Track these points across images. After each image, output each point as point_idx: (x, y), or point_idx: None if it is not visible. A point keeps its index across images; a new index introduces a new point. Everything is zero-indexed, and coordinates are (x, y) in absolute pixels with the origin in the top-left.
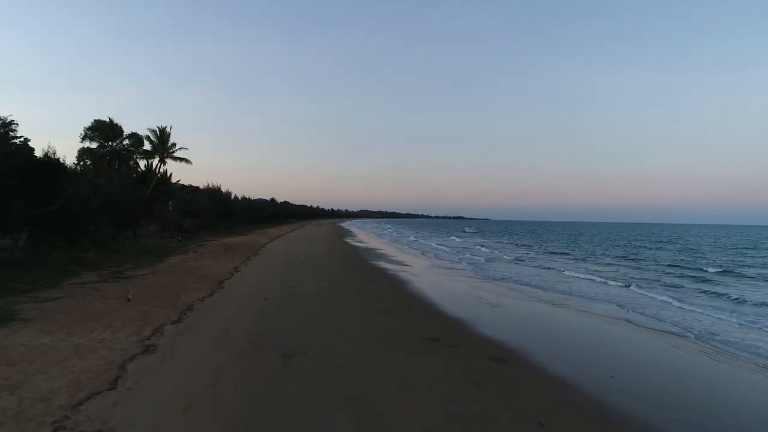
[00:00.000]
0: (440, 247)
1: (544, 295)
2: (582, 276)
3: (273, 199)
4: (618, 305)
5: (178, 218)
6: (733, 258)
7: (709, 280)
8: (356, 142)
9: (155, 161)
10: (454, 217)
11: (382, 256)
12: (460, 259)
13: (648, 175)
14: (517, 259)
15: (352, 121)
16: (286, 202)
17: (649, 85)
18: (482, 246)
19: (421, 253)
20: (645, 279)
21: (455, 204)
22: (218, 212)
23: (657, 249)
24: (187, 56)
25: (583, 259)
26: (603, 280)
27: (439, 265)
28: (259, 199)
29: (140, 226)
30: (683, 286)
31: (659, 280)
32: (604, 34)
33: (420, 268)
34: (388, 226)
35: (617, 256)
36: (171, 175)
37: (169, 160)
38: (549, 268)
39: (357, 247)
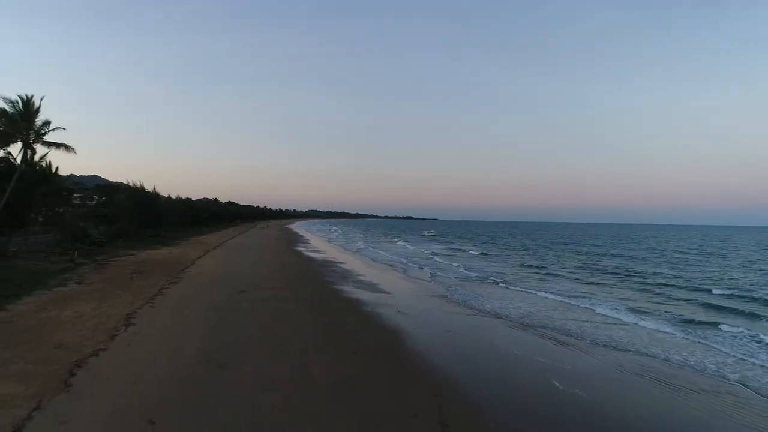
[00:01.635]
0: (411, 255)
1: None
2: (628, 319)
3: (216, 200)
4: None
5: (78, 226)
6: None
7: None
8: (306, 141)
9: (17, 147)
10: (403, 218)
11: (347, 275)
12: (448, 287)
13: (597, 175)
14: (505, 281)
15: (303, 121)
16: (231, 203)
17: (594, 88)
18: (459, 264)
19: (399, 270)
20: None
21: (404, 204)
22: (143, 217)
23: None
24: (119, 46)
25: (585, 281)
26: (669, 328)
27: (428, 291)
28: (203, 199)
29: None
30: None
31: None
32: (546, 42)
33: (405, 296)
34: (337, 228)
35: (615, 273)
36: (57, 168)
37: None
38: (562, 300)
39: (313, 260)
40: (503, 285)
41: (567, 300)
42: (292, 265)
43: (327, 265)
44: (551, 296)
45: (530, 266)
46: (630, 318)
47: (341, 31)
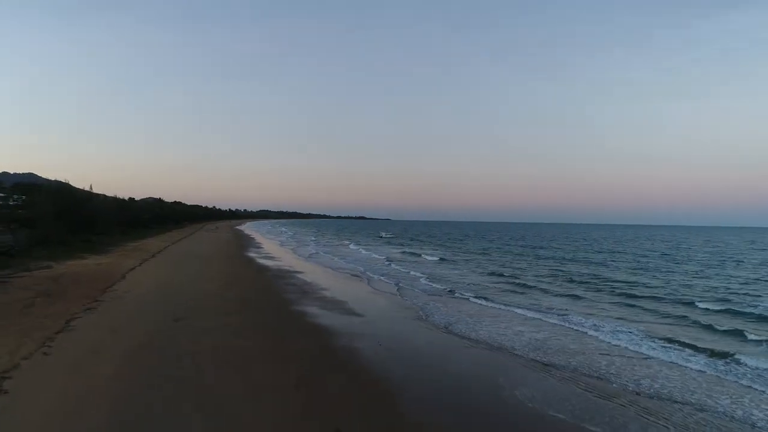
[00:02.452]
0: (368, 261)
1: None
2: (651, 351)
3: (160, 200)
4: None
5: None
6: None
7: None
8: (256, 140)
9: None
10: (356, 218)
11: (308, 290)
12: (423, 306)
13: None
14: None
15: (254, 118)
16: (177, 203)
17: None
18: (423, 274)
19: (362, 281)
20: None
21: (357, 204)
22: (70, 220)
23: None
24: (62, 42)
25: (564, 293)
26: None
27: (401, 310)
28: (147, 198)
29: None
30: None
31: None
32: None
33: (380, 320)
34: (287, 229)
35: (588, 282)
36: None
37: None
38: (560, 324)
39: (267, 269)
40: (481, 301)
41: (564, 323)
42: (244, 277)
43: (283, 275)
44: (543, 317)
45: (498, 275)
46: (652, 350)
47: (287, 28)
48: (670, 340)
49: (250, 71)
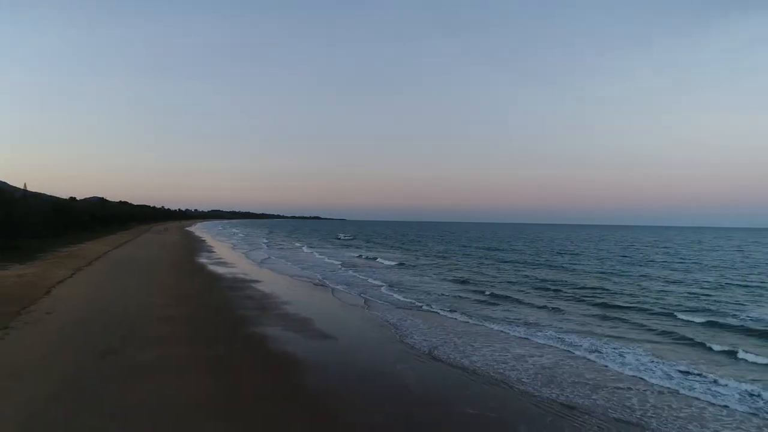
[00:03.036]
0: (326, 267)
1: None
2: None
3: (104, 199)
4: None
5: None
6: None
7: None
8: (207, 139)
9: None
10: (310, 218)
11: (267, 305)
12: (397, 325)
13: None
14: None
15: (204, 118)
16: (123, 203)
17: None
18: (386, 283)
19: (324, 291)
20: None
21: (311, 204)
22: None
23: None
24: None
25: (539, 304)
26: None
27: (376, 329)
28: (91, 198)
29: None
30: None
31: None
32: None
33: (354, 344)
34: (239, 230)
35: (556, 290)
36: None
37: None
38: (560, 348)
39: (220, 277)
40: (458, 315)
41: (560, 344)
42: (194, 290)
43: (238, 286)
44: (533, 335)
45: (466, 282)
46: (670, 379)
47: (230, 26)
48: (686, 373)
49: (196, 69)
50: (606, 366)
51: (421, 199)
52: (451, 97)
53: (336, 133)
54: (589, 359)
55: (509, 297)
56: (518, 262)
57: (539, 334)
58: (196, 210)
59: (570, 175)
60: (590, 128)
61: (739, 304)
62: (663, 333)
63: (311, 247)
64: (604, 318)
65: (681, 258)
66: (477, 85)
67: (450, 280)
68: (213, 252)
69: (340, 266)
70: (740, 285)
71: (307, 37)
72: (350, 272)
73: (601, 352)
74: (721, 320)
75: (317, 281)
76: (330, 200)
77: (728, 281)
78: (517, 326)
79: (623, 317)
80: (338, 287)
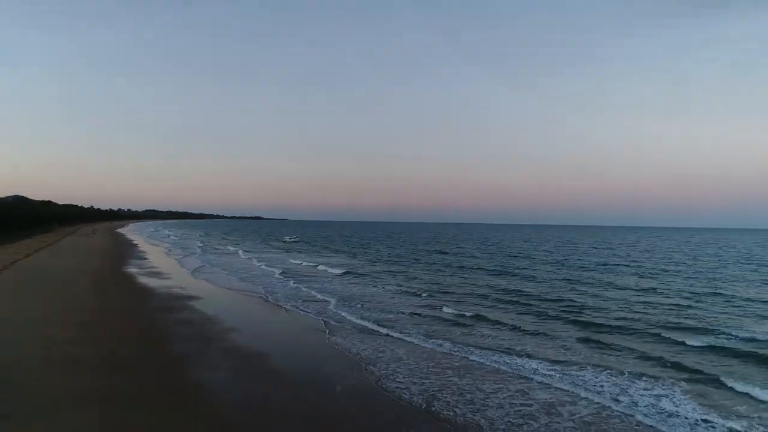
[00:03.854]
0: (270, 277)
1: None
2: None
3: (25, 198)
4: None
5: None
6: None
7: None
8: (140, 134)
9: None
10: (252, 218)
11: (209, 333)
12: (375, 354)
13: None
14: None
15: (140, 112)
16: (47, 202)
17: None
18: (341, 299)
19: (276, 309)
20: None
21: (253, 204)
22: None
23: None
24: None
25: (521, 327)
26: None
27: (353, 371)
28: (7, 198)
29: None
30: None
31: None
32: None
33: (328, 388)
34: (172, 232)
35: (527, 304)
36: None
37: None
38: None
39: (151, 293)
40: (440, 342)
41: (576, 387)
42: (117, 313)
43: (173, 305)
44: (540, 374)
45: (424, 295)
46: None
47: (168, 23)
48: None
49: (127, 62)
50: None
51: (362, 198)
52: (387, 95)
53: (278, 131)
54: (627, 415)
55: (481, 316)
56: (474, 269)
57: (544, 372)
58: (129, 210)
59: (493, 176)
60: (519, 127)
61: (721, 316)
62: (678, 367)
63: (248, 252)
64: (595, 344)
65: (634, 260)
66: (416, 85)
67: (408, 293)
68: (145, 259)
69: (282, 276)
70: (710, 293)
71: (241, 33)
72: (294, 283)
73: (635, 401)
74: (717, 342)
75: (260, 295)
76: (272, 200)
77: (693, 287)
78: (508, 357)
79: (615, 343)
80: (288, 306)
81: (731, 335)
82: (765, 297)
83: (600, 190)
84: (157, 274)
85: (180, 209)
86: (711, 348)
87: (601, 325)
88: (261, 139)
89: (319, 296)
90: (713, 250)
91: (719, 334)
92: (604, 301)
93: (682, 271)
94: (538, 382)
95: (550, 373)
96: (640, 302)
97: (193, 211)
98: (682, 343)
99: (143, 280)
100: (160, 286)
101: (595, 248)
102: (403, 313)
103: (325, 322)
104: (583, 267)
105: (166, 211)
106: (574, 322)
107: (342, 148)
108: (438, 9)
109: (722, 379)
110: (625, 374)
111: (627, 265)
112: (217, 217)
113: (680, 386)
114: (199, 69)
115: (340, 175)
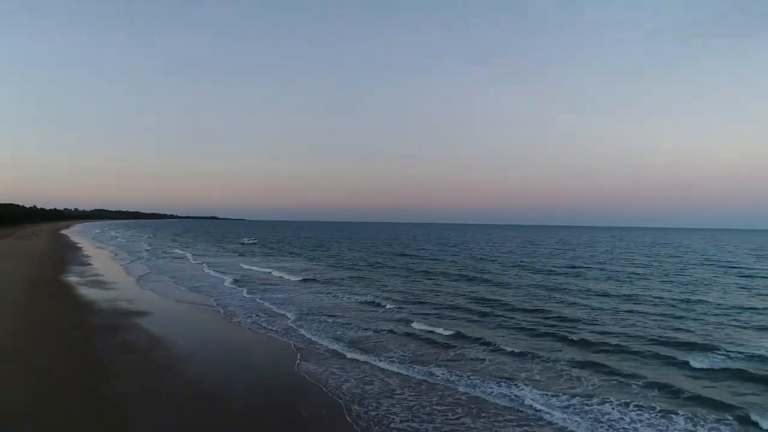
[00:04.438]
0: (223, 285)
1: None
2: None
3: None
4: None
5: None
6: None
7: None
8: (90, 131)
9: None
10: (207, 218)
11: (160, 361)
12: (362, 392)
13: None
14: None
15: (88, 107)
16: None
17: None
18: (306, 314)
19: (236, 325)
20: None
21: (209, 203)
22: None
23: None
24: None
25: (506, 347)
26: None
27: (335, 394)
28: None
29: None
30: None
31: None
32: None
33: None
34: (119, 233)
35: (504, 316)
36: None
37: None
38: None
39: (92, 307)
40: (433, 370)
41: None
42: (47, 335)
43: (116, 323)
44: (561, 415)
45: (394, 308)
46: None
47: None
48: None
49: (71, 53)
50: None
51: (320, 198)
52: (337, 94)
53: (235, 129)
54: None
55: (463, 335)
56: (444, 275)
57: (555, 403)
58: (76, 209)
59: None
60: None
61: (719, 329)
62: (695, 399)
63: (199, 257)
64: (599, 369)
65: (600, 262)
66: (368, 84)
67: (375, 304)
68: (88, 264)
69: (236, 284)
70: (694, 300)
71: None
72: (249, 293)
73: None
74: (727, 364)
75: (213, 308)
76: (229, 200)
77: (672, 293)
78: (516, 389)
79: (619, 368)
80: (249, 322)
81: (737, 353)
82: (752, 305)
83: (552, 191)
84: (100, 284)
85: (132, 209)
86: (723, 372)
87: (598, 344)
88: (218, 138)
89: (279, 310)
90: (670, 250)
91: (724, 352)
92: (591, 312)
93: (651, 273)
94: (543, 425)
95: (569, 408)
96: (627, 311)
97: (145, 211)
98: (687, 365)
99: (83, 291)
100: (101, 299)
101: (558, 249)
102: (376, 330)
103: (294, 346)
104: (552, 271)
105: (116, 211)
106: (569, 341)
107: (302, 147)
108: (439, 8)
109: (751, 415)
110: (655, 410)
111: (596, 268)
112: (171, 217)
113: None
114: (149, 64)
115: (297, 175)
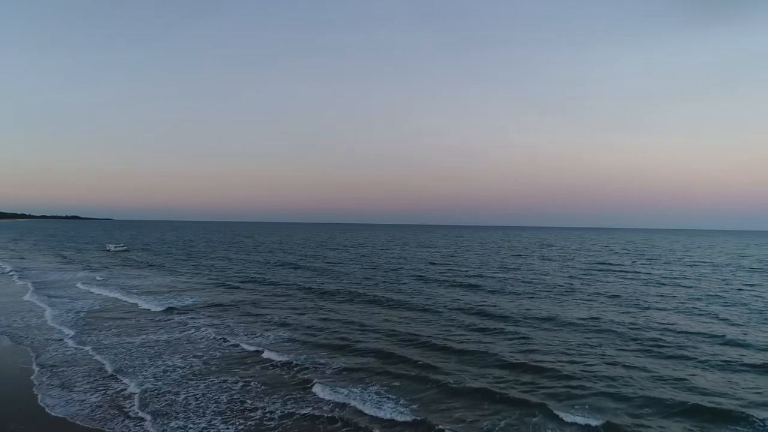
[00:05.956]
0: (80, 310)
1: None
2: None
3: None
4: None
5: None
6: None
7: None
8: None
9: None
10: (67, 217)
11: None
12: None
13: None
14: None
15: None
16: None
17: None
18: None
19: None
20: None
21: (72, 202)
22: None
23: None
24: None
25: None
26: None
27: None
28: None
29: None
30: None
31: None
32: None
33: None
34: None
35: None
36: None
37: None
38: None
39: None
40: None
41: None
42: None
43: None
44: None
45: (327, 356)
46: None
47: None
48: None
49: None
50: None
51: (200, 198)
52: (223, 89)
53: (94, 127)
54: None
55: (446, 383)
56: (353, 294)
57: None
58: None
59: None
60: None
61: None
62: None
63: (24, 276)
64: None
65: (564, 264)
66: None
67: (275, 364)
68: None
69: (75, 316)
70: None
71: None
72: (78, 344)
73: None
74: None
75: (28, 370)
76: (96, 198)
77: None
78: None
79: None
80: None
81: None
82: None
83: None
84: None
85: None
86: None
87: (616, 395)
88: (82, 132)
89: (117, 381)
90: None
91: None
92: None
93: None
94: None
95: None
96: (623, 324)
97: None
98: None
99: None
100: None
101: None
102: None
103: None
104: (534, 295)
105: None
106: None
107: (180, 146)
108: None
109: None
110: None
111: (562, 270)
112: (24, 216)
113: None
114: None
115: (172, 172)
